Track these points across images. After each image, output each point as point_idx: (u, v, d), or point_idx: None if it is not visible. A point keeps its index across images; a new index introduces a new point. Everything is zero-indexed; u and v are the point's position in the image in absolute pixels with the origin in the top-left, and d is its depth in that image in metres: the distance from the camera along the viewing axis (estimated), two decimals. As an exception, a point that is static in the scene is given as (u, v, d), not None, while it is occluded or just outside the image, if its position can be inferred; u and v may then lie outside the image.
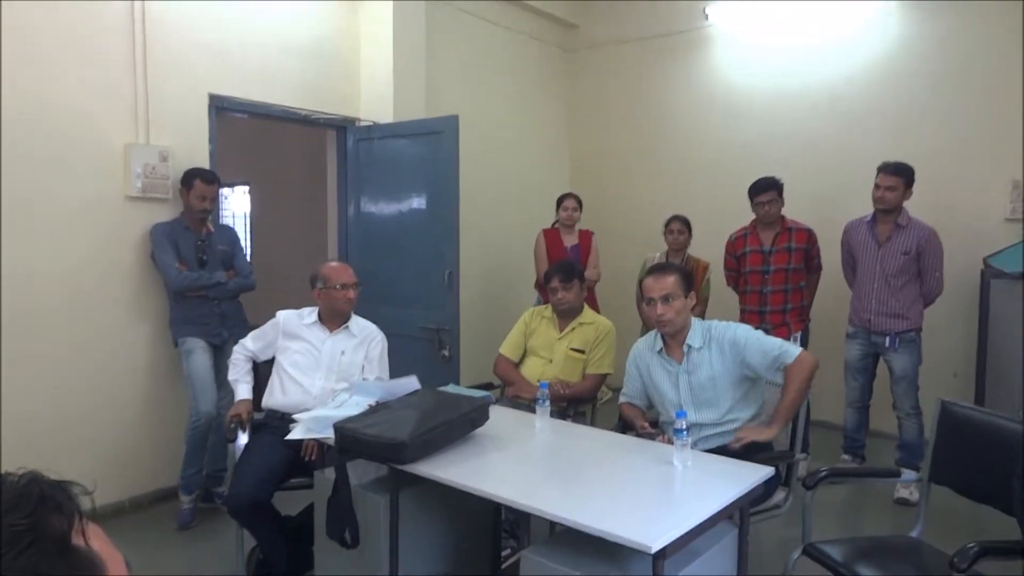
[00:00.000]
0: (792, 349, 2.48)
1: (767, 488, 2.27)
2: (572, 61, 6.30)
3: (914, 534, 2.31)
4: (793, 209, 4.20)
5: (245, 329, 3.50)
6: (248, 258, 3.91)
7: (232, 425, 2.85)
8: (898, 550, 2.23)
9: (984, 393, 4.08)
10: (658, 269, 2.67)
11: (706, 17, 5.37)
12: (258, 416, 3.00)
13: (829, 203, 4.69)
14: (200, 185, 3.42)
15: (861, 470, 3.84)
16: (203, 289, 3.44)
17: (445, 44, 5.01)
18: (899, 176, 3.77)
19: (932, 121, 4.59)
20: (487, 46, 5.44)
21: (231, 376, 3.03)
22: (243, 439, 2.93)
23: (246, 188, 8.73)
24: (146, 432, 3.61)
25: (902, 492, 3.69)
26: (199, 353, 3.43)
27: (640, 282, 2.97)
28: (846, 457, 4.11)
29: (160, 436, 3.63)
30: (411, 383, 2.61)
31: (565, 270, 3.32)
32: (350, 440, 2.15)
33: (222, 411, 3.55)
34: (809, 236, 4.08)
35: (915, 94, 4.65)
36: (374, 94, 4.49)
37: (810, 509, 2.31)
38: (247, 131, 6.70)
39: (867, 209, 3.93)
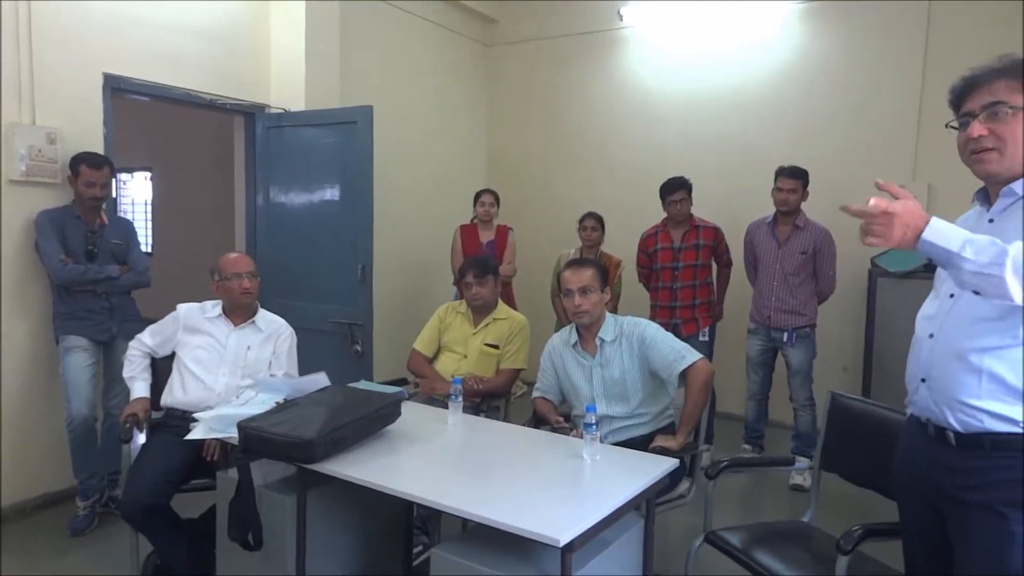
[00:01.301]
0: (690, 356, 2.55)
1: (672, 479, 2.36)
2: (491, 56, 6.30)
3: (806, 519, 2.44)
4: (701, 208, 4.36)
5: (137, 324, 3.31)
6: (148, 249, 3.69)
7: (128, 425, 2.70)
8: (791, 534, 2.36)
9: (871, 385, 4.37)
10: (576, 263, 2.75)
11: (621, 18, 5.48)
12: (156, 415, 2.86)
13: (735, 203, 4.89)
14: (86, 171, 3.18)
15: (758, 459, 4.04)
16: (91, 284, 3.21)
17: (362, 33, 4.90)
18: (798, 179, 3.98)
19: (828, 125, 4.85)
20: (406, 37, 5.36)
21: (126, 373, 2.87)
22: (140, 439, 2.78)
23: (148, 174, 8.28)
24: (26, 434, 3.35)
25: (796, 479, 3.91)
26: (77, 353, 3.21)
27: (557, 276, 3.01)
28: (747, 447, 4.31)
29: (43, 439, 3.39)
30: (320, 379, 2.54)
31: (479, 265, 3.31)
32: (255, 439, 2.08)
33: (113, 411, 3.37)
34: (716, 233, 4.24)
35: (814, 99, 4.91)
36: (285, 80, 4.34)
37: (712, 498, 2.40)
38: (150, 113, 6.33)
39: (771, 209, 4.12)
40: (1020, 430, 1.42)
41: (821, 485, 2.46)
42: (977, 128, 1.46)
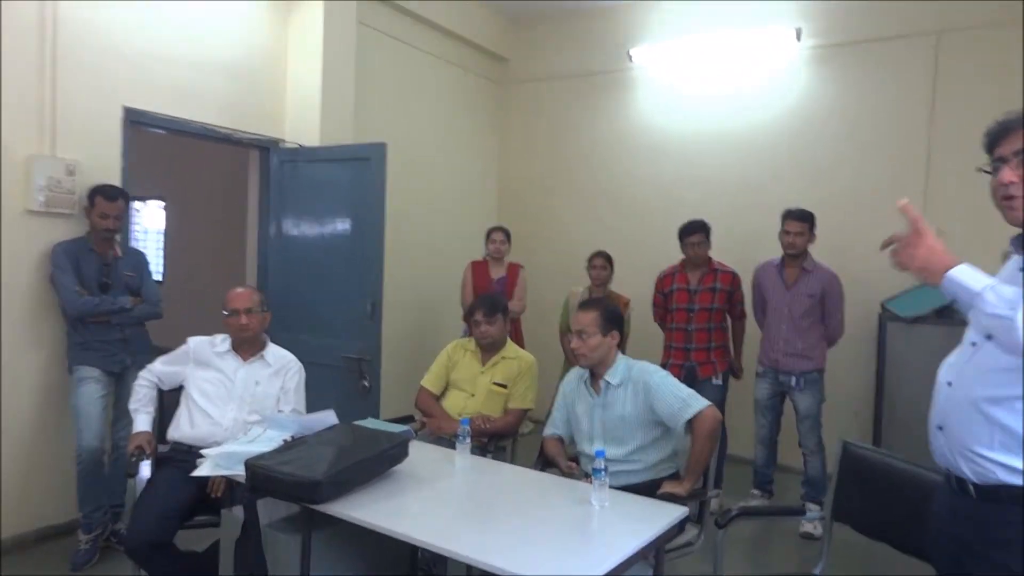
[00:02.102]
0: (695, 404, 2.52)
1: (680, 524, 2.32)
2: (502, 94, 6.39)
3: (817, 571, 2.39)
4: (713, 251, 4.36)
5: (149, 355, 3.32)
6: (159, 277, 3.71)
7: (134, 458, 2.69)
8: (802, 587, 2.32)
9: (881, 431, 4.32)
10: (584, 305, 2.75)
11: (630, 59, 5.57)
12: (162, 449, 2.85)
13: (744, 244, 4.89)
14: (101, 202, 3.23)
15: (768, 508, 3.97)
16: (105, 315, 3.24)
17: (376, 69, 4.99)
18: (805, 222, 3.99)
19: (836, 168, 4.88)
20: (418, 74, 5.46)
21: (131, 404, 2.87)
22: (145, 472, 2.77)
23: (161, 203, 8.37)
24: (32, 466, 3.34)
25: (807, 527, 3.84)
26: (90, 384, 3.22)
27: (566, 315, 3.01)
28: (756, 491, 4.25)
29: (49, 470, 3.38)
30: (328, 417, 2.54)
31: (488, 304, 3.32)
32: (262, 478, 2.06)
33: (121, 443, 3.36)
34: (733, 279, 4.25)
35: (821, 141, 4.95)
36: (301, 116, 4.41)
37: (721, 547, 2.37)
38: (163, 144, 6.42)
39: (778, 251, 4.13)
40: None
41: (832, 535, 2.42)
42: (1008, 174, 1.46)
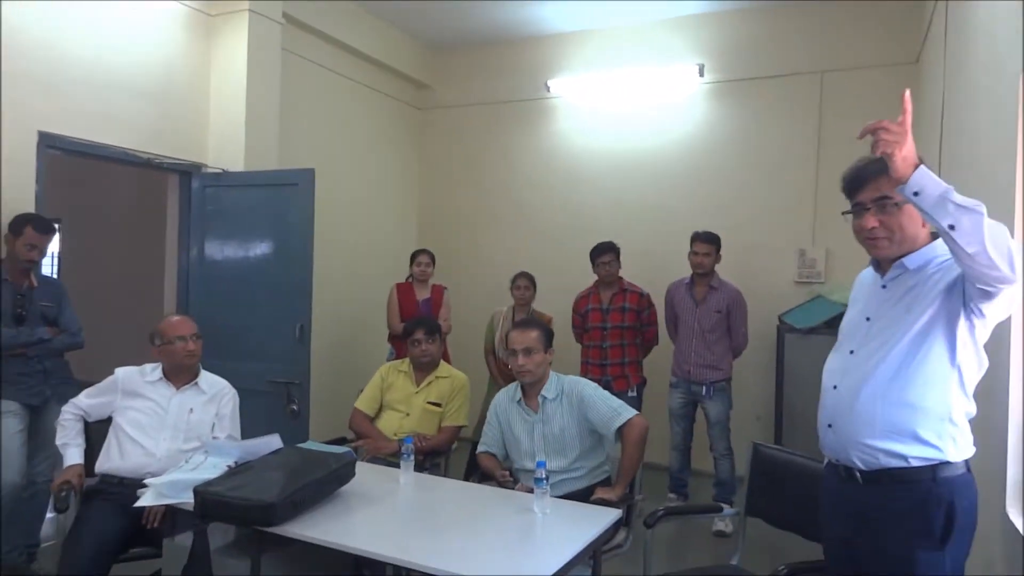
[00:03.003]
0: (626, 412, 2.74)
1: (612, 527, 2.51)
2: (424, 119, 6.53)
3: (734, 562, 2.64)
4: (624, 270, 4.64)
5: (70, 387, 3.23)
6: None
7: (62, 493, 2.61)
8: (722, 577, 2.55)
9: (782, 432, 4.71)
10: (523, 324, 2.92)
11: (548, 89, 5.85)
12: (90, 482, 2.78)
13: (656, 264, 5.21)
14: (32, 233, 3.14)
15: (692, 507, 4.26)
16: (23, 347, 3.13)
17: (299, 95, 5.02)
18: (711, 244, 4.33)
19: (737, 193, 5.30)
20: (341, 100, 5.52)
21: (59, 440, 2.78)
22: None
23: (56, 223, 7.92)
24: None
25: (719, 525, 4.14)
26: (8, 417, 3.10)
27: (506, 334, 3.15)
28: (672, 495, 4.53)
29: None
30: (273, 441, 2.57)
31: (427, 324, 3.45)
32: (212, 504, 2.09)
33: (38, 478, 3.23)
34: (640, 299, 4.52)
35: (723, 169, 5.37)
36: (224, 140, 4.39)
37: (650, 546, 2.57)
38: (66, 164, 6.15)
39: (687, 271, 4.45)
40: (908, 465, 1.66)
41: (746, 529, 2.68)
42: (871, 220, 1.73)
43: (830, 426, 1.81)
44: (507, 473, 2.80)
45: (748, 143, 5.31)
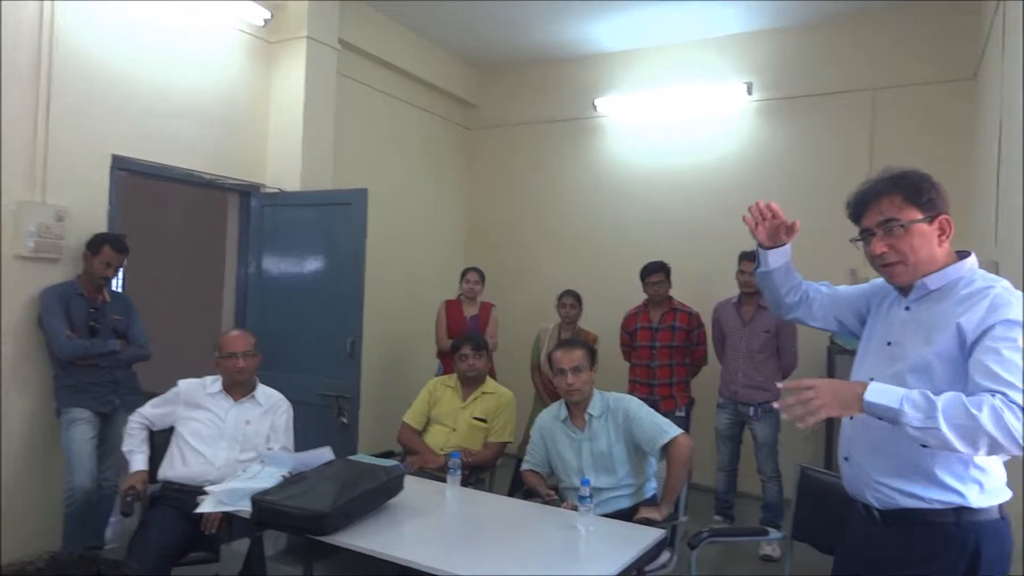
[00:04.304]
0: (671, 431, 2.74)
1: (656, 548, 2.52)
2: (472, 139, 6.65)
3: (781, 586, 2.61)
4: (672, 289, 4.64)
5: (138, 397, 3.40)
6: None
7: (128, 498, 2.75)
8: (768, 602, 2.52)
9: (832, 454, 4.61)
10: (567, 344, 2.95)
11: (595, 108, 5.90)
12: (152, 488, 2.91)
13: (705, 282, 5.18)
14: (109, 252, 3.35)
15: (737, 530, 4.20)
16: (95, 357, 3.32)
17: (352, 116, 5.19)
18: (759, 263, 4.29)
19: (786, 212, 5.18)
20: (392, 120, 5.68)
21: (125, 447, 2.93)
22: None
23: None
24: (17, 509, 3.35)
25: (766, 549, 4.08)
26: (81, 424, 3.29)
27: (549, 354, 3.19)
28: (718, 517, 4.48)
29: (33, 514, 3.39)
30: (324, 454, 2.66)
31: (474, 340, 3.53)
32: (269, 512, 2.18)
33: (104, 483, 3.40)
34: (690, 319, 4.50)
35: (771, 188, 5.28)
36: (281, 161, 4.58)
37: (694, 568, 2.56)
38: (126, 180, 6.46)
39: (735, 290, 4.42)
40: (928, 507, 1.55)
41: (793, 553, 2.65)
42: (878, 246, 1.65)
43: (846, 459, 1.73)
44: (553, 492, 2.84)
45: (798, 161, 5.25)
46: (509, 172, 6.47)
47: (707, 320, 4.61)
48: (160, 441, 2.98)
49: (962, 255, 1.65)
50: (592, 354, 2.91)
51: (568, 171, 6.16)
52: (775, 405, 1.56)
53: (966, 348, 1.52)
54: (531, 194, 6.34)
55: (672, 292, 4.60)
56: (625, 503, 2.77)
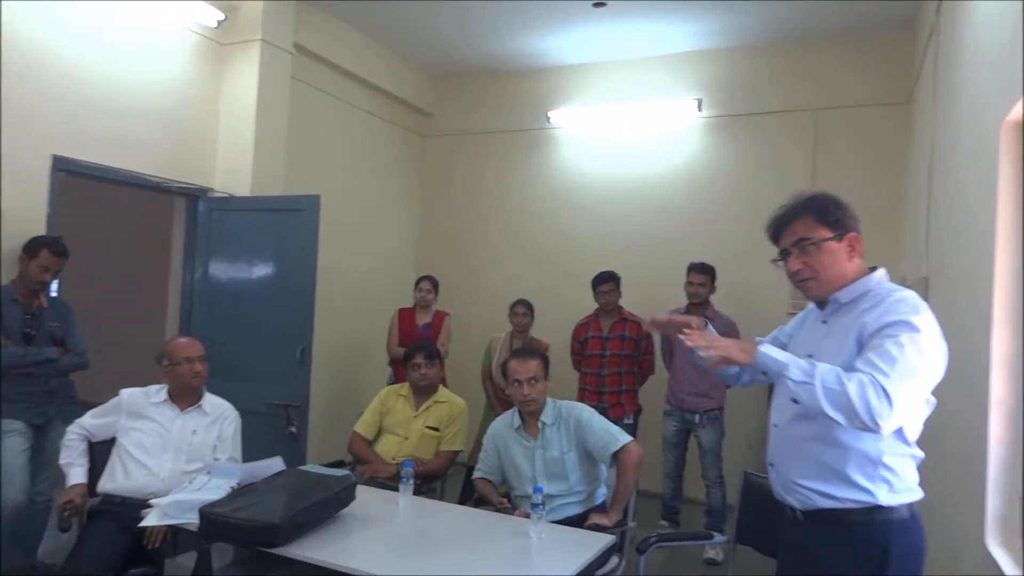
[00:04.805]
0: (622, 438, 2.80)
1: (605, 553, 2.56)
2: (426, 147, 6.65)
3: (725, 590, 2.69)
4: (622, 298, 4.72)
5: (75, 407, 3.28)
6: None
7: (65, 513, 2.65)
8: (713, 605, 2.60)
9: (774, 462, 4.76)
10: (523, 354, 2.98)
11: (548, 120, 5.98)
12: (92, 502, 2.82)
13: (654, 293, 5.29)
14: (47, 255, 3.21)
15: (684, 534, 4.30)
16: (30, 366, 3.18)
17: (305, 121, 5.13)
18: (707, 274, 4.43)
19: (732, 225, 5.39)
20: (347, 126, 5.63)
21: (63, 460, 2.83)
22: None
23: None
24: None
25: (710, 553, 4.19)
26: (12, 436, 3.14)
27: (504, 363, 3.20)
28: (664, 523, 4.57)
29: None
30: (275, 464, 2.63)
31: (426, 348, 3.52)
32: (218, 525, 2.14)
33: (38, 498, 3.27)
34: (639, 328, 4.60)
35: (719, 202, 5.47)
36: (231, 166, 4.48)
37: (642, 572, 2.62)
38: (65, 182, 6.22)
39: (683, 300, 4.54)
40: (842, 506, 1.67)
41: (736, 556, 2.73)
42: (794, 264, 1.77)
43: (772, 464, 1.84)
44: (505, 500, 2.86)
45: (745, 176, 5.43)
46: (463, 181, 6.49)
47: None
48: (100, 453, 2.89)
49: (872, 270, 1.77)
50: (547, 364, 2.95)
51: (521, 181, 6.22)
52: (656, 318, 1.97)
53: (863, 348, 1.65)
54: (485, 203, 6.37)
55: (622, 301, 4.69)
56: (576, 509, 2.81)
